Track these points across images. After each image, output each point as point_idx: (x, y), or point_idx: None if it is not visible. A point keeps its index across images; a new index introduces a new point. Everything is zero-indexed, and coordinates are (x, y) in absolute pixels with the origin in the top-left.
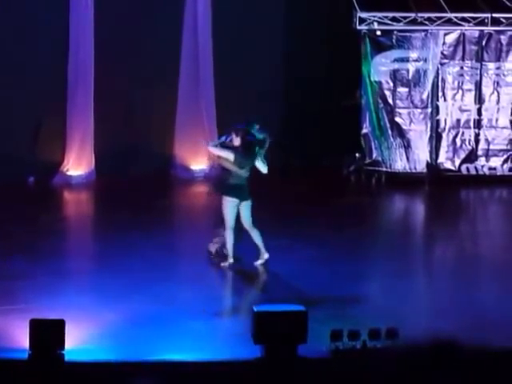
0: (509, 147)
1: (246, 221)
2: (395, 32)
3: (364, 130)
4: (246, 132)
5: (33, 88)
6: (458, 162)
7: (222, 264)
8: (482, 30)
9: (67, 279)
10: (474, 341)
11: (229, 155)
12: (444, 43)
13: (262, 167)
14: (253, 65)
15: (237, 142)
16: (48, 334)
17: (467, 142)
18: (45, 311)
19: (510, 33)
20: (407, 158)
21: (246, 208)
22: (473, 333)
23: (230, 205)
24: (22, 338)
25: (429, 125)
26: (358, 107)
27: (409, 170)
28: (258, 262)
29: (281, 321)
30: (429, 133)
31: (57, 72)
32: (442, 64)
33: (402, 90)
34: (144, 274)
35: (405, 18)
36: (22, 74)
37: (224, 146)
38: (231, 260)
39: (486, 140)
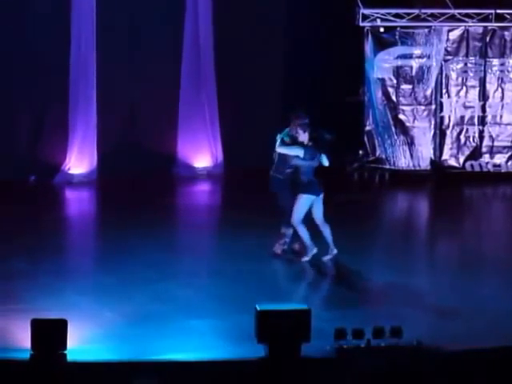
0: None
1: (319, 216)
2: (398, 28)
3: (367, 127)
4: (313, 129)
5: (34, 87)
6: (462, 159)
7: (303, 259)
8: (485, 26)
9: (69, 279)
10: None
11: (298, 152)
12: (448, 39)
13: (325, 161)
14: (255, 62)
15: (303, 137)
16: (50, 333)
17: (471, 139)
18: (46, 311)
19: None
20: (411, 156)
21: (318, 203)
22: (474, 331)
23: (306, 202)
24: (23, 338)
25: (432, 122)
26: (361, 104)
27: (412, 168)
28: (327, 258)
29: (284, 320)
30: (432, 130)
31: (59, 71)
32: (445, 60)
33: (406, 86)
34: (146, 273)
35: (408, 14)
36: (23, 72)
37: (286, 143)
38: (314, 250)
39: (491, 137)
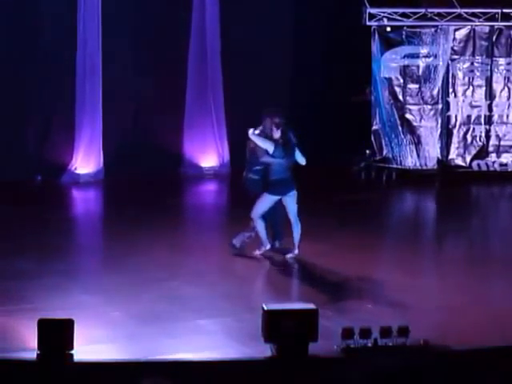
0: None
1: (292, 212)
2: (405, 28)
3: (374, 127)
4: (286, 125)
5: (41, 87)
6: (468, 159)
7: (255, 252)
8: (492, 26)
9: (76, 278)
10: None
11: (268, 146)
12: (454, 39)
13: (300, 160)
14: (261, 62)
15: (277, 134)
16: (57, 333)
17: (478, 139)
18: (53, 311)
19: None
20: (418, 155)
21: (291, 200)
22: (481, 331)
23: (268, 201)
24: (30, 338)
25: (439, 121)
26: (367, 104)
27: (419, 167)
28: (289, 256)
29: (291, 319)
30: (439, 129)
31: (65, 71)
32: (452, 60)
33: (412, 86)
34: (153, 273)
35: (415, 13)
36: (29, 73)
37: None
38: (268, 246)
39: (497, 136)
